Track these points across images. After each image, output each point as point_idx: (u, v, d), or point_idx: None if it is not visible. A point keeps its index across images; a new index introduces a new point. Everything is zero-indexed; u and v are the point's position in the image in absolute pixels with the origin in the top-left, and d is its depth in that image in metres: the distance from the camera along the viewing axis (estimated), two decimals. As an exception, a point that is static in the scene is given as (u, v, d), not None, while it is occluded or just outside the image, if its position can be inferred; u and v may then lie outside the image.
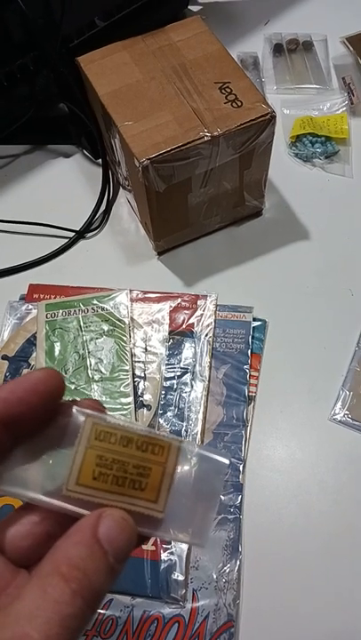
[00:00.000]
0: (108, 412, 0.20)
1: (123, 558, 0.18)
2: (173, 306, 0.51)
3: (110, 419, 0.20)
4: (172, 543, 0.41)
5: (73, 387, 0.47)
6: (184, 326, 0.50)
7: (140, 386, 0.47)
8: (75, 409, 0.20)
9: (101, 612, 0.39)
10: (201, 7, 0.73)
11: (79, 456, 0.19)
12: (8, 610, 0.16)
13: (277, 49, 0.69)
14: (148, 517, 0.19)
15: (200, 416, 0.46)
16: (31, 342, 0.50)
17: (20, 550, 0.19)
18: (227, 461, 0.20)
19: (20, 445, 0.19)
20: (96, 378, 0.47)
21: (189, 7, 0.69)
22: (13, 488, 0.19)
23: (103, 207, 0.58)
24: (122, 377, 0.47)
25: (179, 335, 0.50)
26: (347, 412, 0.46)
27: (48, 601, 0.16)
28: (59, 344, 0.49)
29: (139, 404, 0.47)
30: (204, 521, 0.20)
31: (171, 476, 0.19)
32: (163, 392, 0.47)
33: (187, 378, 0.48)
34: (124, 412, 0.46)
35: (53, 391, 0.19)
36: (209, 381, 0.47)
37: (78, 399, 0.21)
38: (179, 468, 0.20)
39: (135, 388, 0.47)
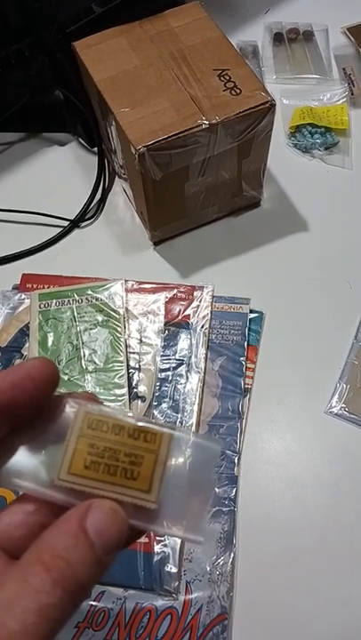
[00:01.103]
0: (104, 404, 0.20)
1: (112, 550, 0.17)
2: (169, 297, 0.50)
3: (104, 407, 0.20)
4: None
5: (66, 377, 0.46)
6: (180, 317, 0.50)
7: (135, 377, 0.47)
8: (69, 400, 0.20)
9: (94, 603, 0.39)
10: (200, -6, 0.72)
11: (71, 445, 0.19)
12: None
13: (278, 38, 0.68)
14: (141, 509, 0.19)
15: (195, 408, 0.45)
16: (24, 332, 0.49)
17: (13, 540, 0.18)
18: (219, 447, 0.20)
19: (16, 435, 0.19)
20: (90, 369, 0.47)
21: (188, -6, 0.68)
22: (6, 477, 0.19)
23: (98, 196, 0.58)
24: (116, 368, 0.47)
25: (174, 326, 0.49)
26: (343, 405, 0.46)
27: (27, 590, 0.16)
28: (52, 334, 0.48)
29: (133, 396, 0.46)
30: (198, 513, 0.19)
31: (163, 464, 0.19)
32: (157, 384, 0.46)
33: (182, 369, 0.47)
34: (119, 404, 0.45)
35: (47, 379, 0.19)
36: (204, 373, 0.47)
37: (73, 392, 0.21)
38: (171, 458, 0.19)
39: (130, 380, 0.46)
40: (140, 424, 0.19)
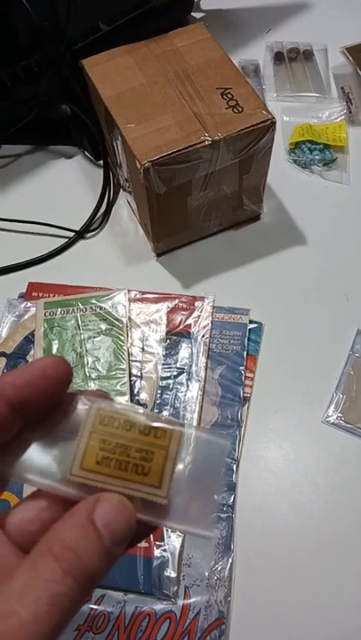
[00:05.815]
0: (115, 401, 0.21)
1: (120, 542, 0.18)
2: (171, 306, 0.52)
3: (115, 404, 0.20)
4: (165, 540, 0.41)
5: (70, 384, 0.47)
6: (181, 327, 0.51)
7: (137, 385, 0.48)
8: (81, 397, 0.20)
9: (94, 607, 0.39)
10: (204, 14, 0.74)
11: (83, 441, 0.19)
12: (0, 589, 0.16)
13: (278, 57, 0.70)
14: (151, 504, 0.19)
15: (195, 416, 0.46)
16: (29, 340, 0.50)
17: (27, 535, 0.19)
18: (227, 443, 0.20)
19: (29, 431, 0.20)
20: (93, 376, 0.48)
21: (192, 14, 0.70)
22: (20, 472, 0.19)
23: (103, 208, 0.59)
24: (118, 376, 0.48)
25: (176, 335, 0.50)
26: (340, 415, 0.47)
27: (38, 579, 0.16)
28: (56, 342, 0.50)
29: (135, 403, 0.47)
30: (207, 509, 0.20)
31: (173, 460, 0.19)
32: (159, 391, 0.47)
33: (183, 378, 0.48)
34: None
35: (60, 377, 0.20)
36: (204, 382, 0.48)
37: (86, 390, 0.21)
38: (181, 454, 0.20)
39: (132, 387, 0.48)
40: (150, 421, 0.20)
